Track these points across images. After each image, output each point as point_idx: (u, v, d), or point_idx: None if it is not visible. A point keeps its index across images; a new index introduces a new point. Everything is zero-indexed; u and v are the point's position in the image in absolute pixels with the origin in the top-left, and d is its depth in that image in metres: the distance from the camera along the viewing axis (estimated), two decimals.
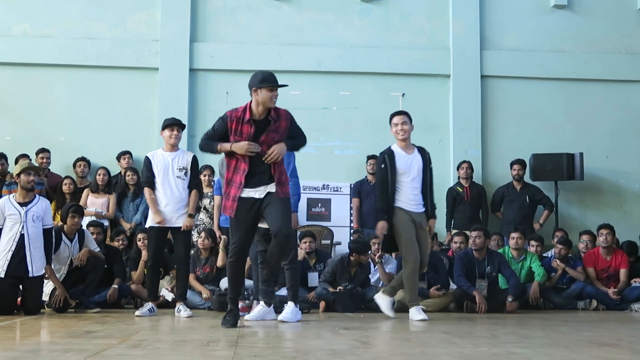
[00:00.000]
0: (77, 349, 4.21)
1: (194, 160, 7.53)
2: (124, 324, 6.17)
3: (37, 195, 7.67)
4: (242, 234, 6.01)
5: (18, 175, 7.51)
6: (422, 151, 7.08)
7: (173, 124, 7.48)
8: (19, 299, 7.51)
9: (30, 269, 7.32)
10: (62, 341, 4.78)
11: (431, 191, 7.07)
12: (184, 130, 7.73)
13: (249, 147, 5.87)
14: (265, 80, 5.90)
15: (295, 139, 6.19)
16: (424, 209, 7.00)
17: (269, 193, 5.96)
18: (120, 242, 8.94)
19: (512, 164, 10.50)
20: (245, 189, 5.95)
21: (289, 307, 6.58)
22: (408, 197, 6.94)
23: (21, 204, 7.40)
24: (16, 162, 9.56)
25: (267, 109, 5.96)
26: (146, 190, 7.49)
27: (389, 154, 7.00)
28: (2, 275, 7.24)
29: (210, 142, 6.07)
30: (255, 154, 5.89)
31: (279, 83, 5.96)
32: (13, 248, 7.28)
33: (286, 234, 5.93)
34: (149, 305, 7.35)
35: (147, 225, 7.56)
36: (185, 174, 7.43)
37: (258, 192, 5.97)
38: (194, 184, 7.56)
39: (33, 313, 7.29)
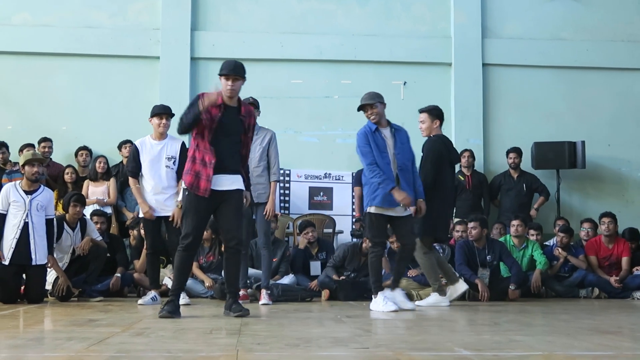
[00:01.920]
0: (80, 337, 4.22)
1: (183, 147, 7.44)
2: (126, 313, 6.20)
3: (41, 185, 7.70)
4: (198, 222, 5.82)
5: (23, 166, 7.54)
6: None
7: (162, 113, 7.44)
8: (22, 287, 7.56)
9: (33, 257, 7.36)
10: (65, 329, 4.80)
11: None
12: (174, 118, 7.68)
13: (217, 95, 5.70)
14: (222, 69, 5.83)
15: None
16: None
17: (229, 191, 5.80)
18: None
19: (507, 152, 10.50)
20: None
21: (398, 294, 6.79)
22: None
23: (26, 192, 7.44)
24: (20, 151, 9.57)
25: (238, 101, 5.90)
26: (131, 181, 7.48)
27: None
28: (7, 263, 7.28)
29: (188, 111, 5.69)
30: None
31: (240, 72, 5.80)
32: (18, 236, 7.33)
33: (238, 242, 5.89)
34: (151, 293, 7.36)
35: (139, 216, 7.56)
36: (174, 162, 7.37)
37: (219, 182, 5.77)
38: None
39: (36, 302, 7.33)
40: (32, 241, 7.36)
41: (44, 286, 7.63)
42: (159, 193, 7.33)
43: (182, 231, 5.93)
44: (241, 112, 5.89)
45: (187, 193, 5.81)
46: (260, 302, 7.23)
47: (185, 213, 5.89)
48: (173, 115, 7.52)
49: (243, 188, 5.94)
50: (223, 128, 5.77)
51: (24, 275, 7.49)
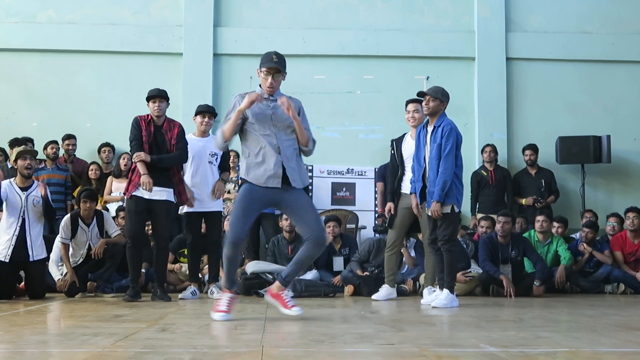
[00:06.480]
0: (107, 333, 4.25)
1: None
2: (152, 308, 6.22)
3: (34, 180, 7.66)
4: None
5: (15, 160, 7.49)
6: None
7: (205, 111, 7.77)
8: (23, 284, 7.61)
9: (30, 252, 7.37)
10: (92, 325, 4.83)
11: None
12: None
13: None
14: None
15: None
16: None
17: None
18: None
19: (523, 150, 10.41)
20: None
21: (443, 293, 6.58)
22: (407, 182, 7.21)
23: (22, 189, 7.41)
24: (45, 148, 9.63)
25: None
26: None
27: (396, 141, 7.45)
28: (7, 260, 7.28)
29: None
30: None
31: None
32: (17, 233, 7.32)
33: None
34: (191, 288, 7.55)
35: (183, 212, 7.73)
36: (217, 159, 7.70)
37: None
38: (227, 167, 7.94)
39: (38, 298, 7.36)
40: (28, 237, 7.35)
41: (44, 282, 7.62)
42: (201, 188, 7.59)
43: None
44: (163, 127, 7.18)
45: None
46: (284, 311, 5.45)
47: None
48: (216, 114, 7.98)
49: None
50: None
51: (22, 273, 7.54)
